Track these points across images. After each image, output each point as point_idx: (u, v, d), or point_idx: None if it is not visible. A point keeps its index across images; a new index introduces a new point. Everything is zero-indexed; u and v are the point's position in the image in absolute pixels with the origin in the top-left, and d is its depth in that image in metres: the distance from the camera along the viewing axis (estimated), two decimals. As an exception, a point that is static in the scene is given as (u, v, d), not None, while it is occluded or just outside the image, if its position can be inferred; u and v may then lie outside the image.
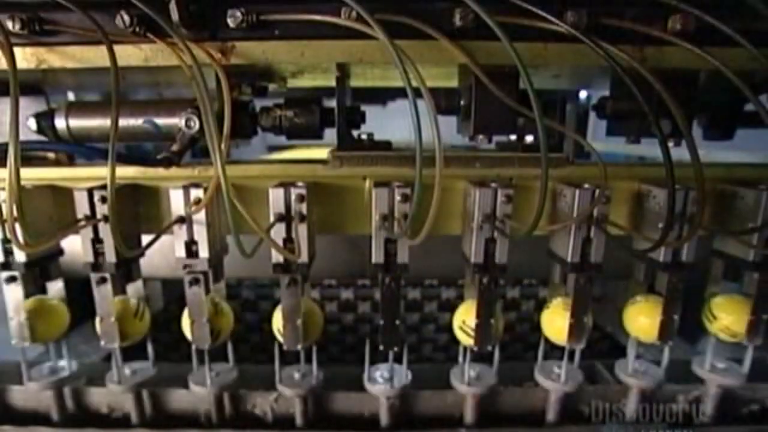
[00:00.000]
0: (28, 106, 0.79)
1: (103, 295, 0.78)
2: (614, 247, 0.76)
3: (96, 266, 0.77)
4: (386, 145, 0.81)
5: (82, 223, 0.73)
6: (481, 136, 0.73)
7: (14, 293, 0.80)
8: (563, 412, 0.88)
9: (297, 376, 0.88)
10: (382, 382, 0.86)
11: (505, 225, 0.74)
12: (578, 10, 0.64)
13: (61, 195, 0.79)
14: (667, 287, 0.79)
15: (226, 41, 0.68)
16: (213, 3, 0.67)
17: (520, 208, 0.76)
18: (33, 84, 0.82)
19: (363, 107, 0.82)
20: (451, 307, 1.82)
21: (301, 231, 0.74)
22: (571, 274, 0.78)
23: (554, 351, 0.87)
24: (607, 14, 0.66)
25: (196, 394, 0.87)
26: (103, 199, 0.72)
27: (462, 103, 0.77)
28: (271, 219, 0.73)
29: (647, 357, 0.89)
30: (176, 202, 0.74)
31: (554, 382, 0.85)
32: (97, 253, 0.76)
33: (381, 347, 0.82)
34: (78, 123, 0.78)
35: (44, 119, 0.78)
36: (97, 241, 0.76)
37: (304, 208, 0.73)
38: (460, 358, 0.88)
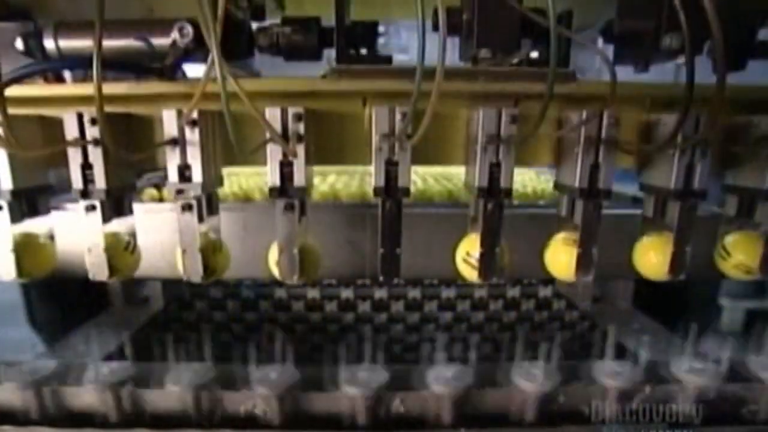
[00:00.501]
0: (17, 31, 0.78)
1: (92, 223, 0.75)
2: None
3: (85, 193, 0.74)
4: (387, 60, 0.79)
5: (72, 148, 0.71)
6: (483, 51, 0.72)
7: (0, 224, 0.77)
8: (563, 412, 0.85)
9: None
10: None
11: (509, 147, 0.72)
12: None
13: (50, 126, 0.77)
14: (679, 217, 0.76)
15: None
16: None
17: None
18: (22, 9, 0.81)
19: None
20: (451, 307, 1.81)
21: (300, 152, 0.72)
22: (579, 201, 0.75)
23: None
24: None
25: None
26: (93, 122, 0.70)
27: (464, 17, 0.76)
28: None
29: (649, 357, 0.87)
30: (169, 125, 0.72)
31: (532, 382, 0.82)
32: (87, 180, 0.74)
33: (381, 277, 0.78)
34: (68, 43, 0.77)
35: (32, 39, 0.77)
36: (86, 166, 0.73)
37: (301, 127, 0.71)
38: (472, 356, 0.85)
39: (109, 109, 0.65)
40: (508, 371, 0.84)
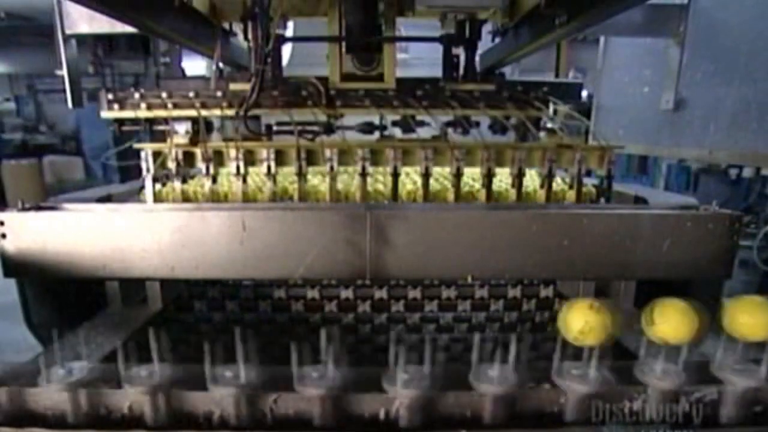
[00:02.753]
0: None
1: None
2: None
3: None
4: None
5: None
6: None
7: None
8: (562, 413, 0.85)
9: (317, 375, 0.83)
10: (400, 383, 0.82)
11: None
12: None
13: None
14: None
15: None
16: None
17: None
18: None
19: None
20: (451, 307, 1.81)
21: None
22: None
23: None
24: None
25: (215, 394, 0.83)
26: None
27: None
28: None
29: (653, 359, 0.86)
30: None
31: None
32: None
33: None
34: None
35: None
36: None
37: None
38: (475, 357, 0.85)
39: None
40: (468, 373, 0.84)
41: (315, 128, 1.57)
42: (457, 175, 1.41)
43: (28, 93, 9.74)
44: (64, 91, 1.71)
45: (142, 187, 1.47)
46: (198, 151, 1.40)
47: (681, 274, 1.17)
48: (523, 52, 1.69)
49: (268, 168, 1.40)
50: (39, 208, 1.19)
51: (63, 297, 1.35)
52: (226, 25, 1.85)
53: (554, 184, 1.46)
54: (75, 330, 1.27)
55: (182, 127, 1.53)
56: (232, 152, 1.39)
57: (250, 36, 1.50)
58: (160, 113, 1.57)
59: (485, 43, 1.75)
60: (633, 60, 2.67)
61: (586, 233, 1.14)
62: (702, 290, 1.21)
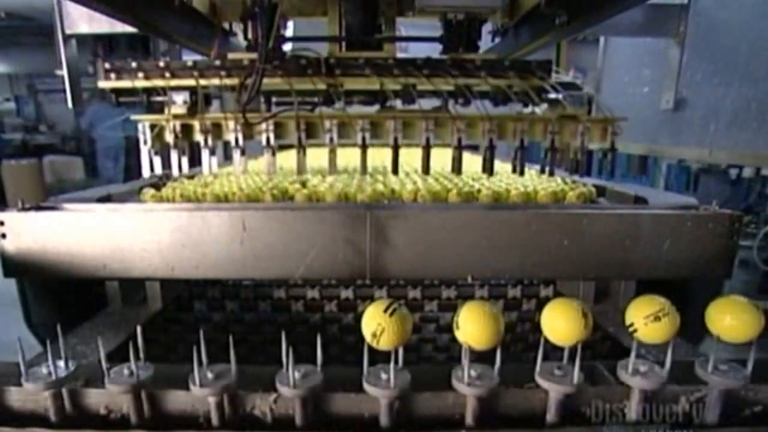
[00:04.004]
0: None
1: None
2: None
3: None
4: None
5: None
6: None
7: None
8: (564, 414, 0.84)
9: (297, 376, 0.81)
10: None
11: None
12: None
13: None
14: None
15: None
16: None
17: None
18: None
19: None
20: (451, 306, 1.80)
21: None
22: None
23: (555, 351, 0.83)
24: None
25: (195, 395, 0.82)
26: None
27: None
28: None
29: (649, 358, 0.86)
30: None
31: (555, 383, 0.80)
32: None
33: None
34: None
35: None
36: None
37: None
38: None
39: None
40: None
41: (315, 99, 1.54)
42: (459, 147, 1.38)
43: (28, 93, 9.76)
44: (64, 91, 1.72)
45: (142, 187, 1.47)
46: (196, 123, 1.38)
47: (681, 273, 1.17)
48: (523, 52, 1.69)
49: (267, 140, 1.38)
50: (39, 208, 1.19)
51: (63, 297, 1.35)
52: (226, 25, 1.85)
53: (554, 184, 1.46)
54: (75, 330, 1.27)
55: (180, 98, 1.51)
56: (231, 124, 1.37)
57: (249, 36, 1.50)
58: (158, 82, 1.54)
59: (485, 43, 1.75)
60: (633, 60, 2.68)
61: (586, 233, 1.14)
62: (702, 290, 1.21)
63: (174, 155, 1.52)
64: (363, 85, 1.64)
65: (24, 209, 1.17)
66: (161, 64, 1.53)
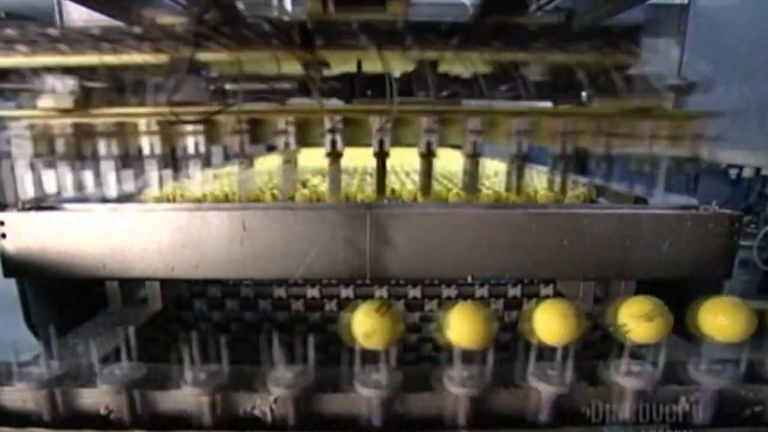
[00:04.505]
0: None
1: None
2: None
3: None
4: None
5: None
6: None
7: None
8: (563, 414, 0.85)
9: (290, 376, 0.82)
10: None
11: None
12: None
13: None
14: None
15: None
16: None
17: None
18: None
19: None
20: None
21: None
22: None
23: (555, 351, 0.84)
24: None
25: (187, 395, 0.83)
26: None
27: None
28: None
29: (648, 358, 0.86)
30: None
31: (547, 383, 0.81)
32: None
33: None
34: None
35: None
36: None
37: None
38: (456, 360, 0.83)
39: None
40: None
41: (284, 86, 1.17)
42: (475, 155, 1.21)
43: (28, 93, 9.72)
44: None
45: (142, 187, 1.47)
46: (95, 121, 1.13)
47: (681, 274, 1.17)
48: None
49: (241, 146, 1.21)
50: (39, 208, 1.19)
51: (63, 297, 1.35)
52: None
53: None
54: (75, 329, 1.27)
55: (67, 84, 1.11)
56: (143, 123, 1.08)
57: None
58: (46, 59, 1.10)
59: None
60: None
61: (586, 233, 1.14)
62: (702, 290, 1.21)
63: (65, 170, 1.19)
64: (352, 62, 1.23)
65: (24, 209, 1.17)
66: (51, 31, 1.17)
